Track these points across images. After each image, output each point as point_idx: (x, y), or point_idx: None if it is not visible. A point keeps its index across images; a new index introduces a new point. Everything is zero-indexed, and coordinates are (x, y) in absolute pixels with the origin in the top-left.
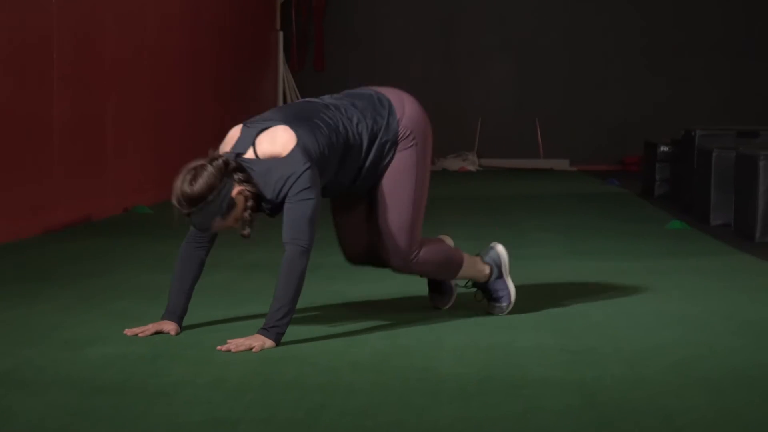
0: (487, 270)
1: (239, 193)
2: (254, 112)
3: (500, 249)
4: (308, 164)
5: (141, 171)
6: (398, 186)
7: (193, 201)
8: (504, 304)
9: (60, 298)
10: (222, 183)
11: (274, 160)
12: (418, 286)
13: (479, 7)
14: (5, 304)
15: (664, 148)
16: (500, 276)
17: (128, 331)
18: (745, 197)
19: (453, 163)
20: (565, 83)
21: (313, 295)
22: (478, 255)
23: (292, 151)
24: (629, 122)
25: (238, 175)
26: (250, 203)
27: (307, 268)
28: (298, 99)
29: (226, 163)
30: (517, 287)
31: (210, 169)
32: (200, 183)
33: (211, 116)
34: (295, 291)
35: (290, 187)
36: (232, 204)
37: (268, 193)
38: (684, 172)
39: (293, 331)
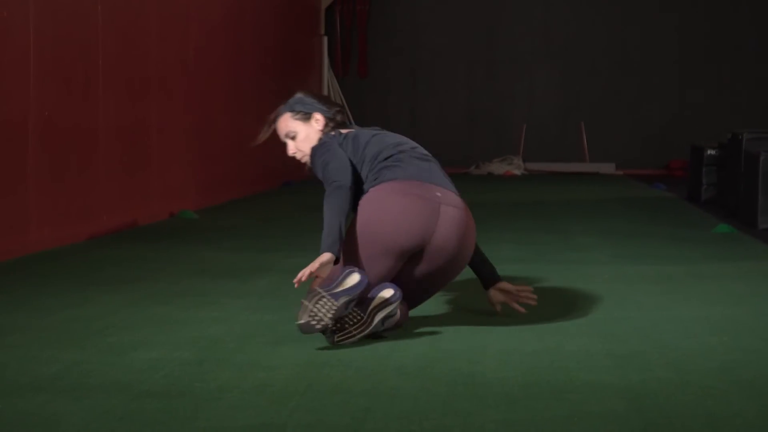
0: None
1: (319, 117)
2: None
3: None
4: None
5: (186, 176)
6: None
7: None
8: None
9: (105, 303)
10: (316, 107)
11: None
12: (463, 291)
13: (522, 14)
14: (51, 309)
15: (710, 152)
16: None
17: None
18: None
19: (498, 167)
20: (609, 87)
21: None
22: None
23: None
24: (675, 126)
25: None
26: (320, 125)
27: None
28: (343, 105)
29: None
30: (563, 291)
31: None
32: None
33: (254, 122)
34: (327, 214)
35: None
36: (306, 117)
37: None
38: (731, 175)
39: None
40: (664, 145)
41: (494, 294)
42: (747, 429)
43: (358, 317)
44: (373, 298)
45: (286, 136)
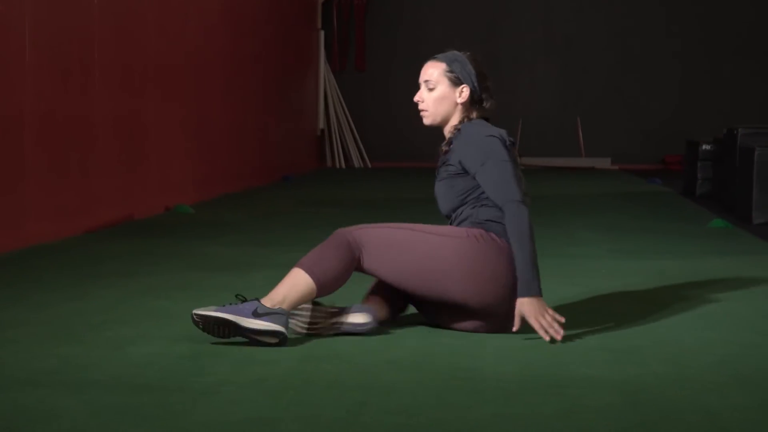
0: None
1: (465, 90)
2: (295, 111)
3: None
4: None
5: (183, 170)
6: None
7: (447, 53)
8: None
9: (102, 298)
10: (470, 81)
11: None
12: None
13: (521, 9)
14: (48, 304)
15: (706, 147)
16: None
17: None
18: None
19: None
20: (606, 82)
21: (353, 293)
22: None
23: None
24: (671, 121)
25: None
26: (462, 98)
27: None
28: (339, 99)
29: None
30: (561, 285)
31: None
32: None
33: (252, 115)
34: (529, 241)
35: (480, 149)
36: (455, 82)
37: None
38: (726, 170)
39: None
40: (660, 139)
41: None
42: (744, 423)
43: (322, 321)
44: (347, 314)
45: (426, 82)
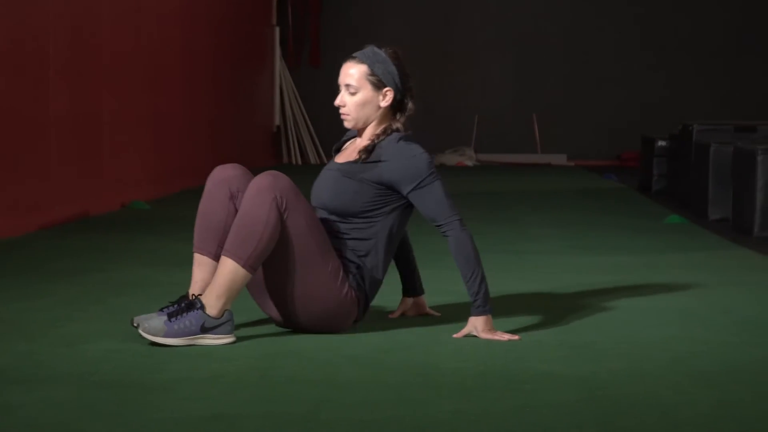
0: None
1: (389, 94)
2: (251, 107)
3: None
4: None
5: (138, 167)
6: None
7: (366, 51)
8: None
9: (58, 294)
10: (394, 83)
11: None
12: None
13: (477, 3)
14: (2, 301)
15: (661, 143)
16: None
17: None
18: (742, 192)
19: (450, 159)
20: (562, 79)
21: None
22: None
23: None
24: (626, 117)
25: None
26: (386, 102)
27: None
28: (295, 95)
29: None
30: (518, 281)
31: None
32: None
33: (208, 112)
34: (475, 259)
35: (416, 168)
36: (378, 86)
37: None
38: (682, 167)
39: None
40: (616, 136)
41: (407, 301)
42: (699, 419)
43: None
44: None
45: (347, 85)
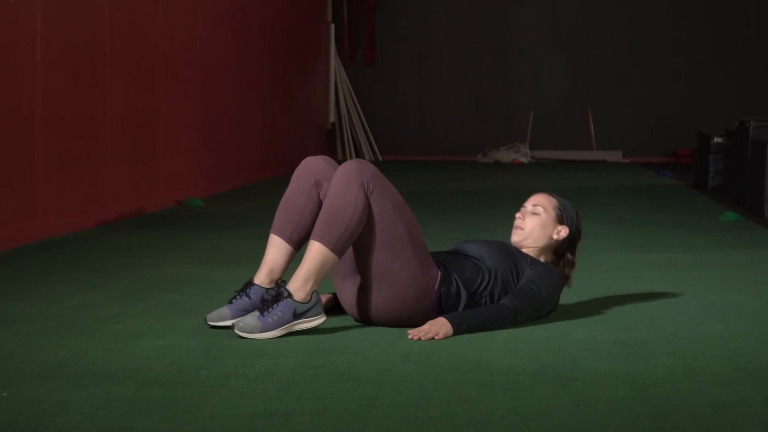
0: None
1: (563, 232)
2: (305, 105)
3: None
4: None
5: (193, 164)
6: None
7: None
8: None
9: (112, 291)
10: (570, 227)
11: None
12: None
13: (528, 1)
14: (57, 297)
15: (717, 140)
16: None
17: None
18: None
19: (505, 155)
20: (617, 75)
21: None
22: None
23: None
24: (682, 113)
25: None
26: (559, 237)
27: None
28: (350, 92)
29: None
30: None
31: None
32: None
33: (261, 109)
34: (495, 322)
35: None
36: (559, 221)
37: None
38: (738, 163)
39: (344, 322)
40: (671, 132)
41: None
42: (753, 416)
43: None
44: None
45: (534, 206)
